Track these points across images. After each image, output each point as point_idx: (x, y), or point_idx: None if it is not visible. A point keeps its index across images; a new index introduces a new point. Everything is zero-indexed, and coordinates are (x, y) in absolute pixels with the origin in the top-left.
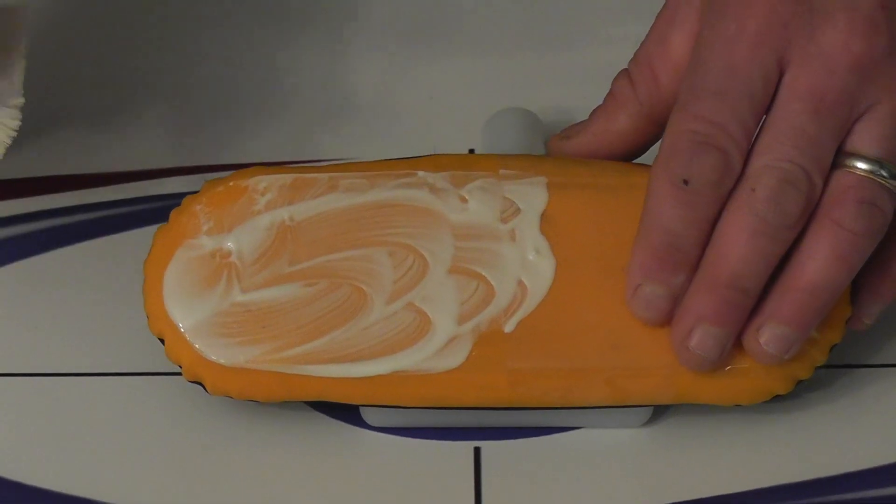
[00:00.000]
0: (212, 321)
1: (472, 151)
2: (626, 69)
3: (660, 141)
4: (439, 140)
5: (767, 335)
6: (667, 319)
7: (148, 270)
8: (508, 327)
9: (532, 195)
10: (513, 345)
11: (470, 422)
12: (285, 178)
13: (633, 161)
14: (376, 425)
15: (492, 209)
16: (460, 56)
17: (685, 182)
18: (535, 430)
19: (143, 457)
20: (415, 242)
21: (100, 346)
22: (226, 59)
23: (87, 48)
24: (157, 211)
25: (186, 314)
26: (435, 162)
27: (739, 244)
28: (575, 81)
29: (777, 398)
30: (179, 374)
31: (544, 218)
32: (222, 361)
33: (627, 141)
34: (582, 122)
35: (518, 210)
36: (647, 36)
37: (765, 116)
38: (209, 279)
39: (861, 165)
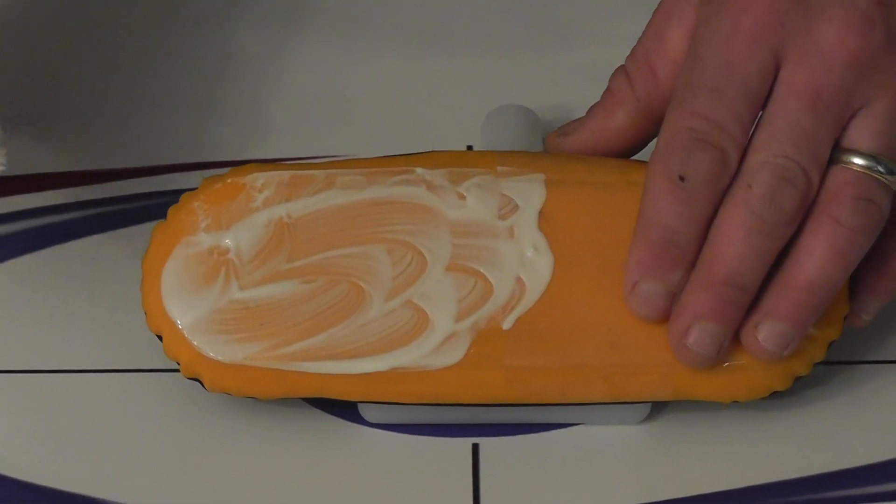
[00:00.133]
0: (210, 318)
1: (470, 148)
2: (623, 66)
3: (657, 137)
4: (437, 137)
5: (765, 332)
6: (664, 316)
7: (146, 267)
8: (507, 324)
9: (530, 192)
10: (511, 342)
11: (468, 418)
12: (283, 175)
13: (631, 158)
14: (374, 422)
15: (490, 206)
16: (459, 53)
17: (682, 179)
18: (533, 426)
19: (141, 454)
20: (413, 239)
21: (98, 342)
22: (224, 56)
23: (85, 45)
24: (155, 208)
25: (184, 311)
26: (433, 159)
27: (736, 241)
28: (573, 78)
29: (775, 395)
30: (177, 370)
31: (542, 215)
32: (220, 358)
33: (625, 137)
34: (579, 118)
35: (516, 207)
36: (644, 32)
37: (761, 113)
38: (207, 276)
39: (858, 161)
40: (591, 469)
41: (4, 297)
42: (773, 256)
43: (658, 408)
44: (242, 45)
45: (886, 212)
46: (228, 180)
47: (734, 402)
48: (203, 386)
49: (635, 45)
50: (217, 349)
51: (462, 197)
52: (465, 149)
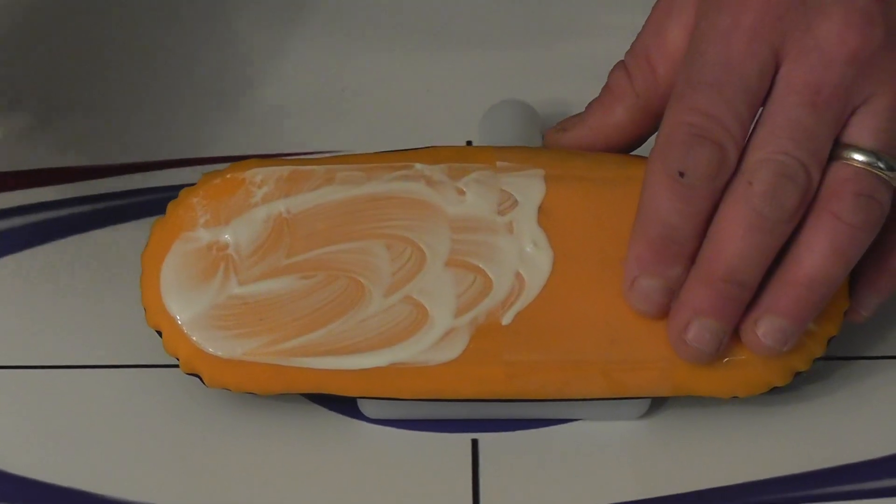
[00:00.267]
0: (209, 314)
1: (469, 144)
2: (622, 61)
3: (656, 133)
4: (436, 132)
5: (765, 328)
6: (663, 312)
7: (145, 263)
8: (506, 320)
9: (529, 187)
10: (510, 337)
11: (467, 414)
12: (282, 171)
13: (631, 153)
14: (374, 417)
15: (489, 202)
16: (457, 48)
17: (681, 174)
18: (532, 422)
19: (141, 450)
20: (412, 235)
21: (97, 338)
22: (223, 52)
23: (84, 40)
24: (154, 203)
25: (184, 307)
26: (432, 154)
27: (736, 238)
28: (572, 74)
29: (775, 390)
30: (177, 366)
31: (542, 210)
32: (220, 354)
33: (624, 133)
34: (579, 114)
35: (515, 202)
36: (644, 28)
37: (761, 110)
38: (206, 272)
39: (858, 157)
40: (591, 464)
41: (3, 293)
42: (774, 253)
43: (657, 403)
44: (242, 40)
45: (887, 208)
46: (228, 176)
47: (733, 397)
48: (202, 381)
49: (634, 41)
50: (216, 345)
51: (461, 192)
52: (464, 144)
